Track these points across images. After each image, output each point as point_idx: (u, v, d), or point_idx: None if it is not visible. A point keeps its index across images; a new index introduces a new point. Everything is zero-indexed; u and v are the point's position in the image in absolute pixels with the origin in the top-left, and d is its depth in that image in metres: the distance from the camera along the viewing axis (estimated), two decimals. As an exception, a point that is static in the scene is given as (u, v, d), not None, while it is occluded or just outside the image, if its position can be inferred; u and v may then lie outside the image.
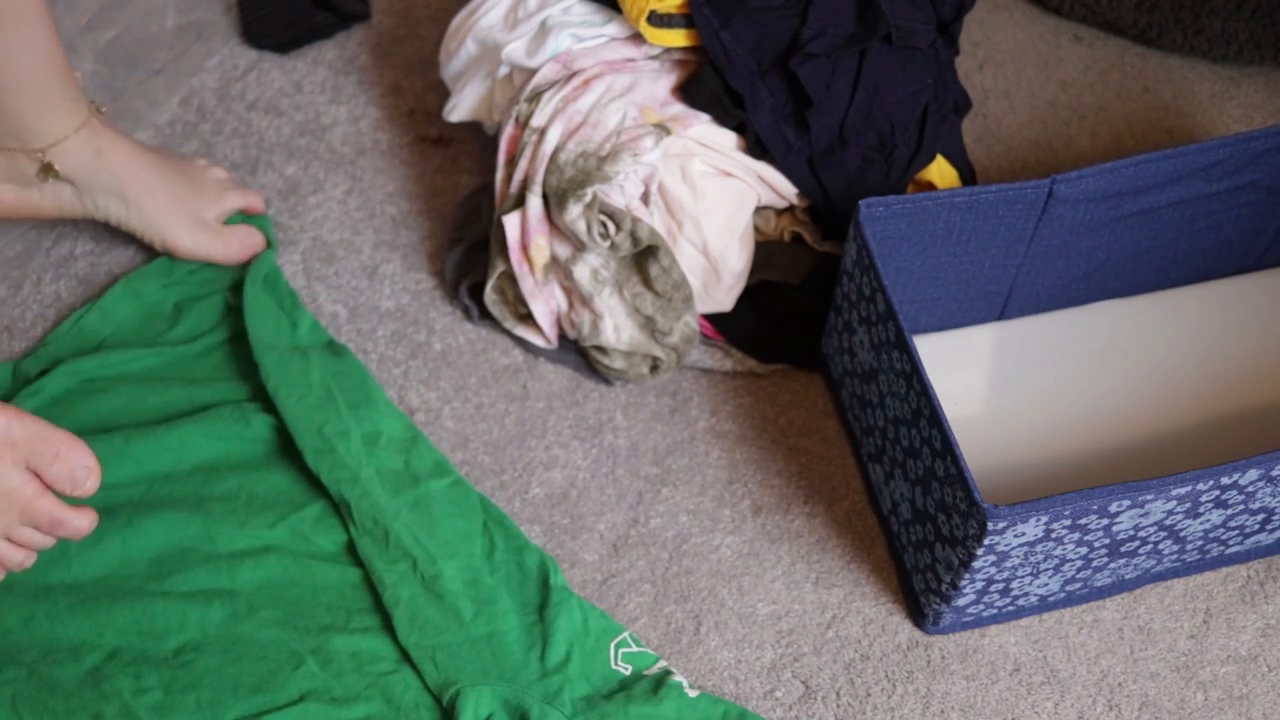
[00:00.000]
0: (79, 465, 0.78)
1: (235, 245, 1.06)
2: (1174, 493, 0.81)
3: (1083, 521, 0.82)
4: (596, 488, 1.01)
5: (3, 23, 0.90)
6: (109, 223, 1.04)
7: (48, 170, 0.99)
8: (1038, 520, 0.80)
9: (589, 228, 0.96)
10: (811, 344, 1.06)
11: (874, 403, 0.94)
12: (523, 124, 1.02)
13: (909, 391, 0.87)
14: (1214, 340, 1.07)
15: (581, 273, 0.99)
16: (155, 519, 0.93)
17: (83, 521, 0.81)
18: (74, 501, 0.80)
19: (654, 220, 0.99)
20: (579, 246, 0.99)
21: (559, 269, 1.01)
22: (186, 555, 0.92)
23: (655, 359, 1.03)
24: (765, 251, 1.05)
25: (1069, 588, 0.92)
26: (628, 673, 0.90)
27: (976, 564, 0.84)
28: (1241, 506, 0.87)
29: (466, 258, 1.09)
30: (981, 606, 0.92)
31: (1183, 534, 0.88)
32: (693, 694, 0.89)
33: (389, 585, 0.91)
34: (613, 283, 1.00)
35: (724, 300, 1.03)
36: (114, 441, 0.95)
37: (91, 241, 1.10)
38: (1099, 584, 0.94)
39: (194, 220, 1.05)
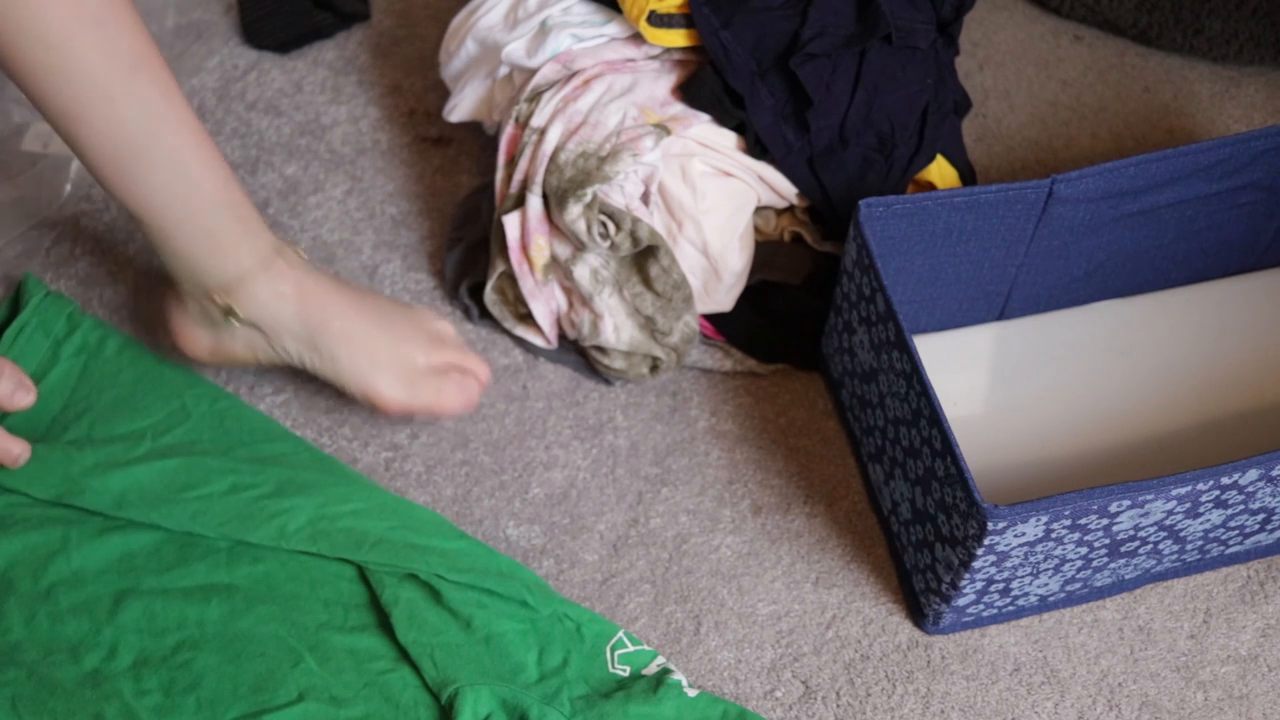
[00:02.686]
0: (16, 382, 0.93)
1: (452, 394, 0.94)
2: (1174, 493, 0.81)
3: (1083, 521, 0.82)
4: (596, 488, 1.01)
5: (150, 160, 0.83)
6: (307, 370, 0.94)
7: (229, 313, 0.90)
8: (1038, 520, 0.80)
9: (589, 228, 0.96)
10: (811, 344, 1.06)
11: (874, 403, 0.94)
12: (523, 124, 1.02)
13: (909, 391, 0.87)
14: (1214, 340, 1.07)
15: (581, 273, 0.99)
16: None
17: (15, 448, 0.92)
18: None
19: (654, 220, 0.99)
20: (579, 246, 0.99)
21: (559, 269, 1.01)
22: (185, 550, 0.92)
23: (655, 359, 1.03)
24: (765, 251, 1.05)
25: (1069, 588, 0.92)
26: (625, 674, 0.90)
27: (976, 564, 0.84)
28: (1241, 506, 0.87)
29: (466, 258, 1.09)
30: (981, 606, 0.92)
31: (1183, 534, 0.88)
32: (692, 693, 0.89)
33: (388, 585, 0.91)
34: (613, 283, 1.00)
35: (724, 300, 1.03)
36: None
37: (91, 241, 1.10)
38: (1099, 584, 0.94)
39: (400, 368, 0.93)
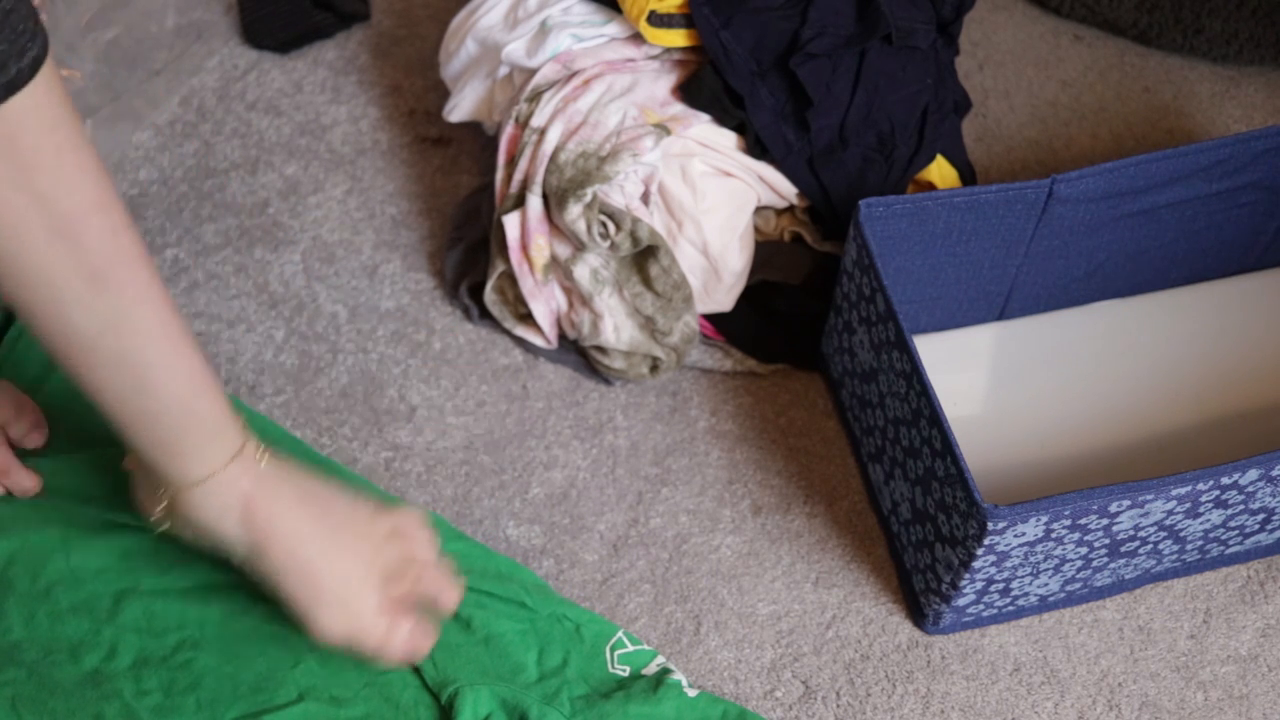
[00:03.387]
0: (32, 423, 0.93)
1: (398, 643, 0.83)
2: (1174, 493, 0.81)
3: (1083, 521, 0.82)
4: (596, 488, 1.01)
5: (103, 359, 0.75)
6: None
7: (169, 512, 0.83)
8: (1038, 520, 0.80)
9: (589, 228, 0.96)
10: (811, 344, 1.06)
11: (874, 403, 0.94)
12: (523, 124, 1.02)
13: (909, 391, 0.87)
14: (1214, 340, 1.07)
15: (581, 273, 0.99)
16: None
17: (27, 481, 0.91)
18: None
19: (654, 220, 0.99)
20: (579, 246, 0.99)
21: (559, 269, 1.01)
22: (185, 550, 0.92)
23: (655, 359, 1.03)
24: (765, 251, 1.05)
25: (1069, 588, 0.92)
26: (625, 674, 0.90)
27: (976, 564, 0.84)
28: (1241, 506, 0.87)
29: (466, 258, 1.09)
30: (981, 606, 0.92)
31: (1183, 534, 0.88)
32: (691, 693, 0.89)
33: None
34: (613, 283, 1.00)
35: (724, 300, 1.03)
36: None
37: (91, 241, 1.10)
38: (1099, 584, 0.94)
39: (346, 605, 0.83)
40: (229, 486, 0.81)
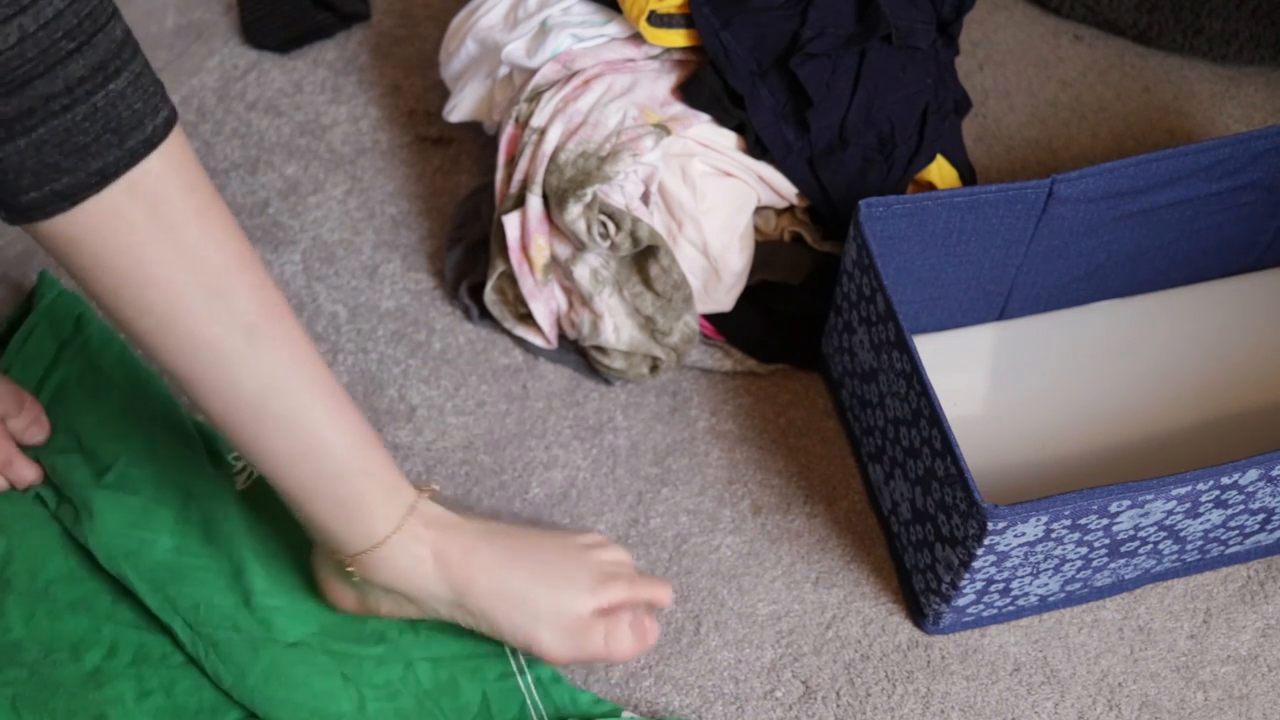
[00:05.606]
0: (32, 418, 0.94)
1: (623, 640, 0.84)
2: (1174, 493, 0.81)
3: (1083, 521, 0.82)
4: (596, 488, 1.01)
5: (271, 423, 0.75)
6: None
7: (365, 582, 0.82)
8: (1038, 520, 0.80)
9: (589, 228, 0.96)
10: (811, 344, 1.06)
11: (874, 403, 0.94)
12: (523, 124, 1.02)
13: (909, 391, 0.87)
14: (1214, 340, 1.07)
15: (581, 273, 0.99)
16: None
17: (29, 473, 0.93)
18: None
19: (654, 220, 0.99)
20: (579, 246, 0.99)
21: (559, 269, 1.01)
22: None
23: (655, 359, 1.03)
24: (765, 251, 1.05)
25: (1069, 588, 0.92)
26: None
27: (976, 564, 0.84)
28: (1241, 506, 0.87)
29: (466, 258, 1.09)
30: (981, 606, 0.92)
31: (1183, 534, 0.88)
32: None
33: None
34: (613, 283, 1.00)
35: (724, 300, 1.03)
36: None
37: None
38: (1099, 584, 0.94)
39: (563, 619, 0.83)
40: (416, 539, 0.80)
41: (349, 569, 0.81)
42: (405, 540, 0.80)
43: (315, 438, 0.76)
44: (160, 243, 0.68)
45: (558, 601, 0.83)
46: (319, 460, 0.76)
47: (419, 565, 0.80)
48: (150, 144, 0.66)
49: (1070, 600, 0.95)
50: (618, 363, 1.03)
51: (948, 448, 0.82)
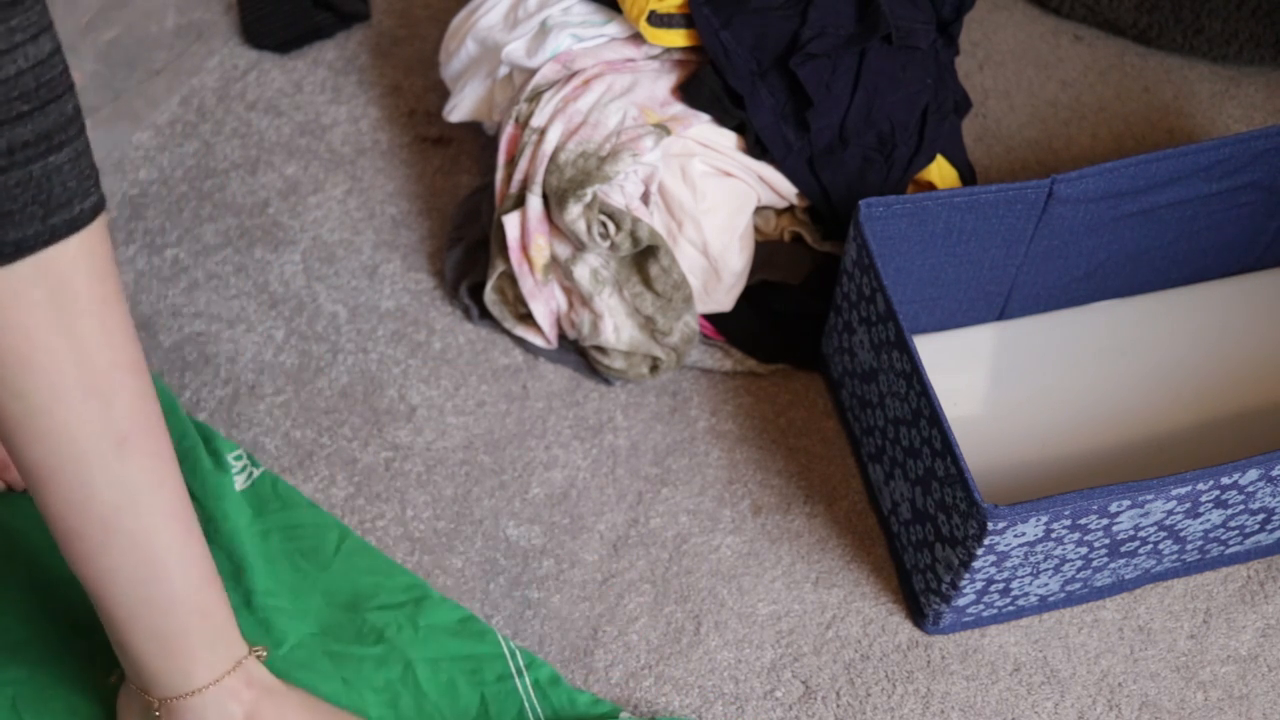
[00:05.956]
0: None
1: None
2: (1174, 493, 0.81)
3: (1083, 521, 0.82)
4: (596, 488, 1.01)
5: (114, 540, 0.70)
6: None
7: None
8: (1038, 520, 0.80)
9: (589, 228, 0.96)
10: (811, 344, 1.06)
11: (874, 403, 0.94)
12: (523, 124, 1.02)
13: (909, 391, 0.87)
14: (1214, 340, 1.07)
15: (581, 273, 0.99)
16: None
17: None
18: None
19: (654, 220, 0.99)
20: (579, 246, 0.99)
21: (559, 269, 1.01)
22: None
23: (655, 359, 1.03)
24: (765, 251, 1.05)
25: (1069, 588, 0.92)
26: None
27: (976, 564, 0.84)
28: (1241, 506, 0.87)
29: (466, 258, 1.09)
30: (981, 606, 0.92)
31: (1183, 534, 0.88)
32: None
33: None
34: (613, 283, 1.00)
35: (724, 300, 1.03)
36: None
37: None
38: (1099, 584, 0.94)
39: None
40: (233, 696, 0.76)
41: (155, 713, 0.76)
42: (221, 696, 0.76)
43: (156, 563, 0.72)
44: (53, 330, 0.64)
45: None
46: (153, 586, 0.72)
47: None
48: (74, 225, 0.63)
49: (1070, 600, 0.95)
50: (618, 363, 1.03)
51: (948, 448, 0.82)
